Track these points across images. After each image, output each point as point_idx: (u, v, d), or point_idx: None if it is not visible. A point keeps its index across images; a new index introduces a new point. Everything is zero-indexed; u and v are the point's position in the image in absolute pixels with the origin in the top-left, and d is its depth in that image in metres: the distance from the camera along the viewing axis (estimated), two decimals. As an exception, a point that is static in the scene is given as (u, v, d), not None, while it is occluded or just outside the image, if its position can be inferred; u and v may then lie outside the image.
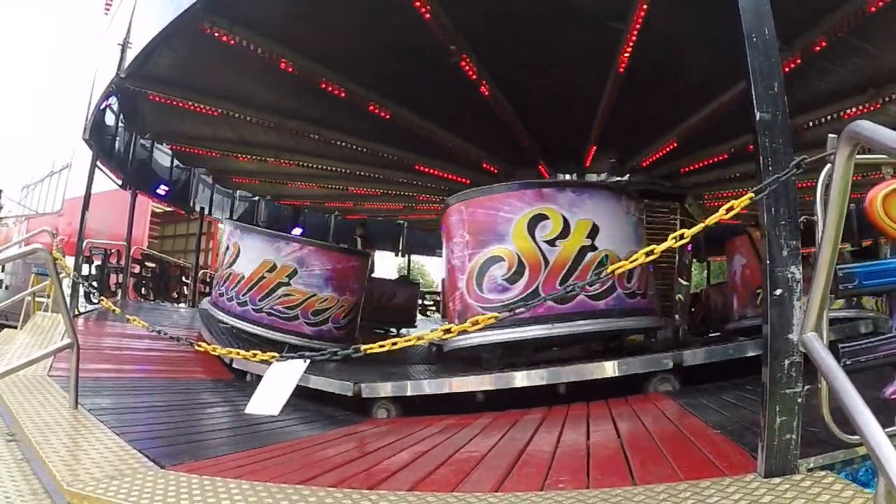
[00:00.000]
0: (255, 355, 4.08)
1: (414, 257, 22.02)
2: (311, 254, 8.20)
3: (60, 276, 4.58)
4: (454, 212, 6.43)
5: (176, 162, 13.43)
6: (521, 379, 5.15)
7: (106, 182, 12.11)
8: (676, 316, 9.46)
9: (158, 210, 19.51)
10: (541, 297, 4.78)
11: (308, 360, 3.83)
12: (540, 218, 5.86)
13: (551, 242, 5.80)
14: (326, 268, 8.23)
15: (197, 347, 4.39)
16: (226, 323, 8.27)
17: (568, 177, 11.01)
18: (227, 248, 8.58)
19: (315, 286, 8.11)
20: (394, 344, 3.67)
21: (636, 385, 5.07)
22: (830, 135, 2.28)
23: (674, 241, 2.78)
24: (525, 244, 5.83)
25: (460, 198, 6.43)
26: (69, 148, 18.84)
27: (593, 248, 5.85)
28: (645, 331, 6.49)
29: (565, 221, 5.84)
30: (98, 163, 10.83)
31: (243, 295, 8.06)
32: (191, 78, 8.50)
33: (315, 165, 11.79)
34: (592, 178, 10.85)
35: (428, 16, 6.31)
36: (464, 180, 11.94)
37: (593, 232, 5.88)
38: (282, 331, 7.93)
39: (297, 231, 15.32)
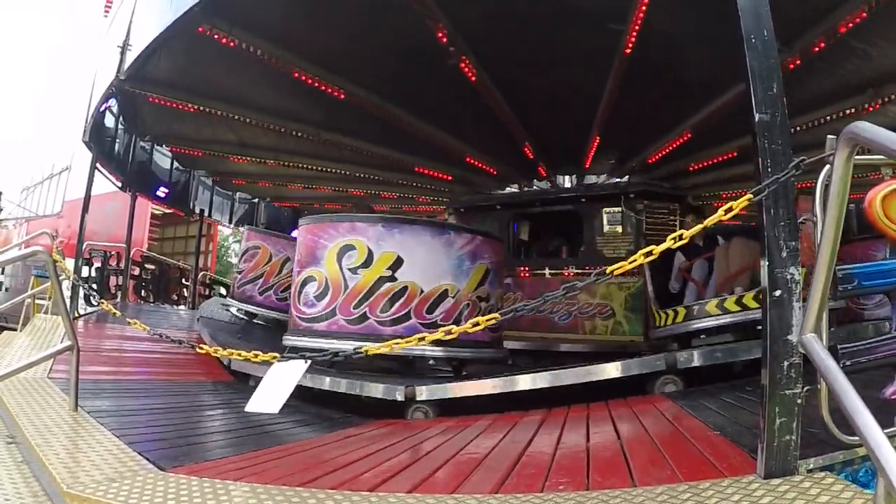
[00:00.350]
0: (256, 356, 4.09)
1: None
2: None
3: (60, 278, 4.58)
4: (298, 234, 7.21)
5: (176, 164, 13.44)
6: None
7: (106, 184, 12.13)
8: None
9: (158, 212, 19.52)
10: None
11: (309, 361, 3.84)
12: (348, 248, 6.43)
13: (353, 270, 6.37)
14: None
15: (198, 350, 4.39)
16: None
17: (567, 178, 11.05)
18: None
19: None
20: (395, 344, 3.68)
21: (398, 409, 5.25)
22: (829, 136, 2.29)
23: (672, 241, 2.78)
24: (333, 269, 6.45)
25: (302, 223, 7.15)
26: (69, 150, 18.86)
27: (392, 279, 6.32)
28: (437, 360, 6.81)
29: (370, 252, 6.36)
30: (98, 165, 10.85)
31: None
32: (190, 80, 8.51)
33: (315, 167, 11.80)
34: (592, 178, 10.89)
35: (427, 17, 6.31)
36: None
37: (396, 264, 6.36)
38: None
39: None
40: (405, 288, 6.30)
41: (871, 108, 7.74)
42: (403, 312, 6.27)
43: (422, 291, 6.35)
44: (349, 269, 6.36)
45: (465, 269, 6.64)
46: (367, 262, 6.33)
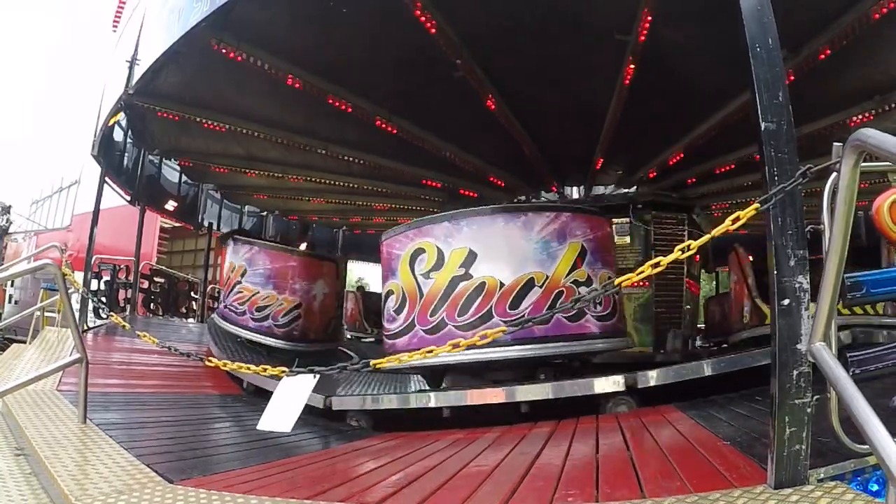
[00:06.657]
0: (264, 370, 4.10)
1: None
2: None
3: (69, 291, 4.60)
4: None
5: (184, 177, 13.51)
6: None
7: (115, 197, 12.20)
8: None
9: (167, 225, 19.62)
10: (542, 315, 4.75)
11: (317, 376, 3.85)
12: (419, 252, 5.90)
13: (426, 275, 5.81)
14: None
15: (207, 363, 4.40)
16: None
17: (575, 189, 11.05)
18: None
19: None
20: (399, 361, 3.69)
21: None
22: (836, 143, 2.28)
23: (680, 252, 2.77)
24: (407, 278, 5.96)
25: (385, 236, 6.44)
26: (77, 164, 18.98)
27: (468, 276, 5.65)
28: None
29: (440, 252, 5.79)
30: (106, 179, 10.92)
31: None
32: (198, 94, 8.57)
33: (323, 180, 11.84)
34: (600, 189, 10.89)
35: (433, 30, 6.34)
36: (471, 194, 11.97)
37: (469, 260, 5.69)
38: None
39: (302, 246, 15.36)
40: (483, 284, 5.58)
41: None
42: (483, 312, 5.54)
43: (502, 285, 5.57)
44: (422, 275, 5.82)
45: (551, 252, 5.76)
46: (439, 264, 5.72)
